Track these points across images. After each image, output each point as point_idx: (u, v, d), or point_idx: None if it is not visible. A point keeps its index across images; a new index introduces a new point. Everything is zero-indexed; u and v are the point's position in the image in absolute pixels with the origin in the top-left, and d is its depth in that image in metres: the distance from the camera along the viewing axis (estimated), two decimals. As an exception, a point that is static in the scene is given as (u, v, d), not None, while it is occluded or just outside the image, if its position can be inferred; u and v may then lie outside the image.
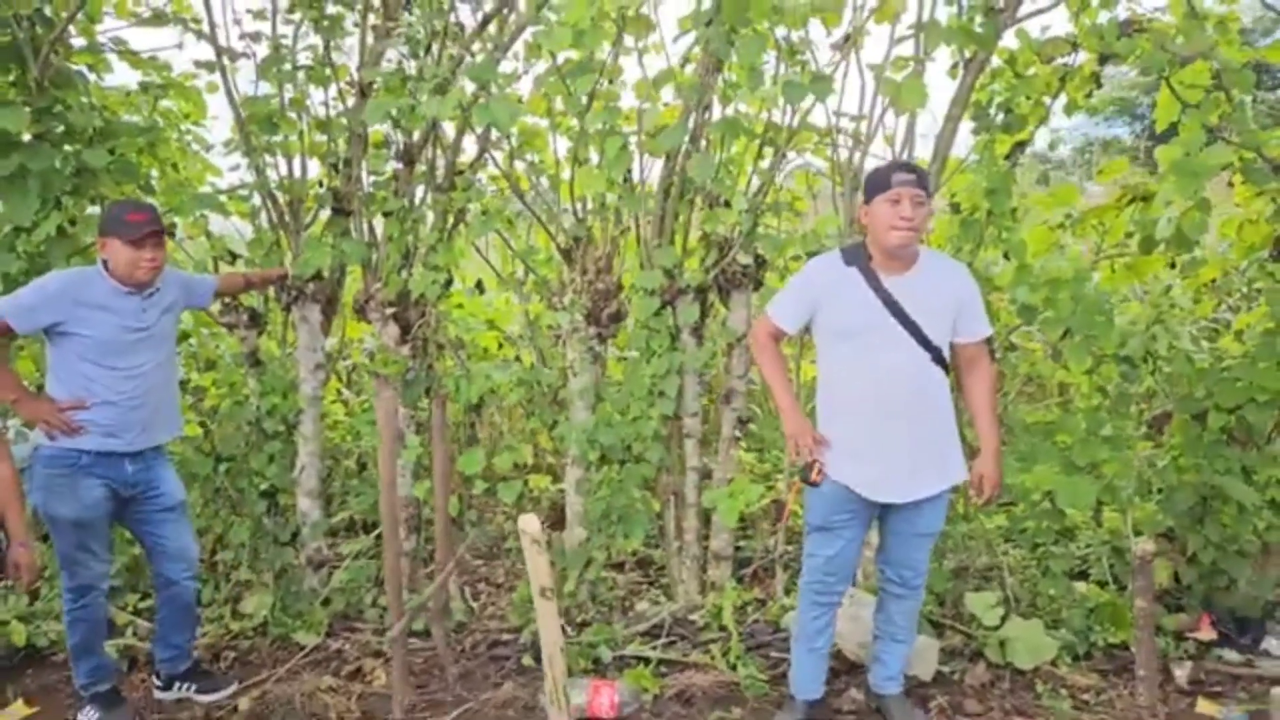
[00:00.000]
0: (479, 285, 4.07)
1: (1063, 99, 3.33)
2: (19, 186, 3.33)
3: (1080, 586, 3.42)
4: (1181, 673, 3.06)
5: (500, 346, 4.38)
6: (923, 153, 3.39)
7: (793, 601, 3.56)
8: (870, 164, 3.34)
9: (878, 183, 2.45)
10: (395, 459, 2.68)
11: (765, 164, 3.40)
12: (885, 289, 2.49)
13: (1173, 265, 3.56)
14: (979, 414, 2.67)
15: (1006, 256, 3.37)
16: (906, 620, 2.79)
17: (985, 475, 2.63)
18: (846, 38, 3.22)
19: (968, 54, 3.20)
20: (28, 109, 3.28)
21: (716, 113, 3.33)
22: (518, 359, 4.21)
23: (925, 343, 2.50)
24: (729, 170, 3.35)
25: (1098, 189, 4.34)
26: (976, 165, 3.31)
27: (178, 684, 3.08)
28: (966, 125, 3.35)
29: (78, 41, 3.55)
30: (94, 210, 3.48)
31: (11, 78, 3.34)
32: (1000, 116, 3.29)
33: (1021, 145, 3.37)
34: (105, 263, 2.82)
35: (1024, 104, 3.28)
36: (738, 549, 3.79)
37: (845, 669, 3.15)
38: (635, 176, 3.40)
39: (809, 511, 2.70)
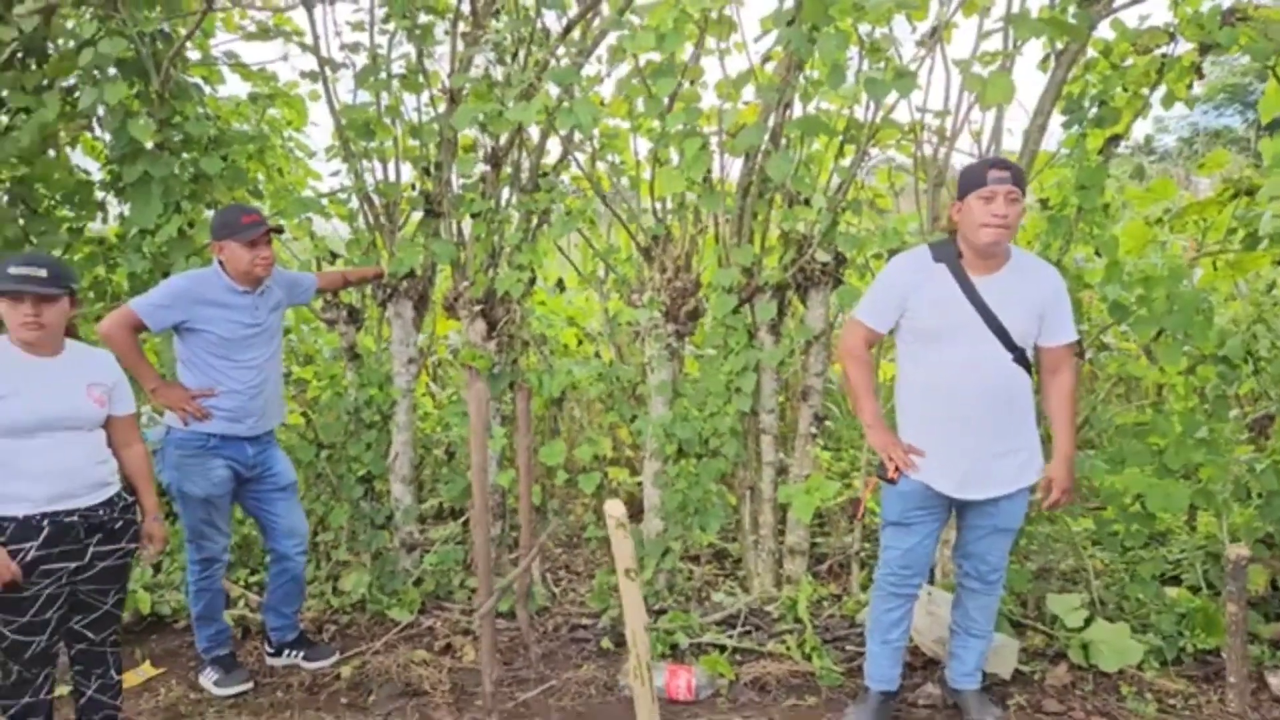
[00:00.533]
0: (559, 283, 4.21)
1: (1161, 90, 3.21)
2: (143, 192, 3.62)
3: (1171, 592, 3.33)
4: (1276, 681, 2.95)
5: (579, 343, 4.51)
6: (1010, 147, 3.34)
7: (868, 597, 3.57)
8: (955, 160, 3.31)
9: (972, 179, 2.44)
10: (486, 447, 2.82)
11: (846, 161, 3.40)
12: (974, 288, 2.48)
13: (1277, 263, 3.40)
14: (1056, 419, 2.64)
15: (1098, 253, 3.29)
16: (984, 616, 2.79)
17: (1056, 479, 2.60)
18: (932, 31, 3.19)
19: (1060, 46, 3.12)
20: (151, 120, 3.55)
21: (797, 110, 3.35)
22: (597, 355, 4.33)
23: (1010, 344, 2.49)
24: (808, 168, 3.37)
25: (1205, 182, 4.15)
26: (1067, 160, 3.23)
27: (287, 651, 3.32)
28: (1057, 119, 3.27)
29: (192, 55, 3.82)
30: (209, 213, 3.75)
31: (135, 90, 3.62)
32: (1093, 110, 3.20)
33: (1116, 139, 3.27)
34: (221, 264, 3.05)
35: (1119, 97, 3.18)
36: (813, 545, 3.82)
37: (921, 664, 3.16)
38: (715, 175, 3.45)
39: (886, 507, 2.72)
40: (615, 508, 2.37)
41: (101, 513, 2.46)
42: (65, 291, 2.38)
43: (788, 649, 3.26)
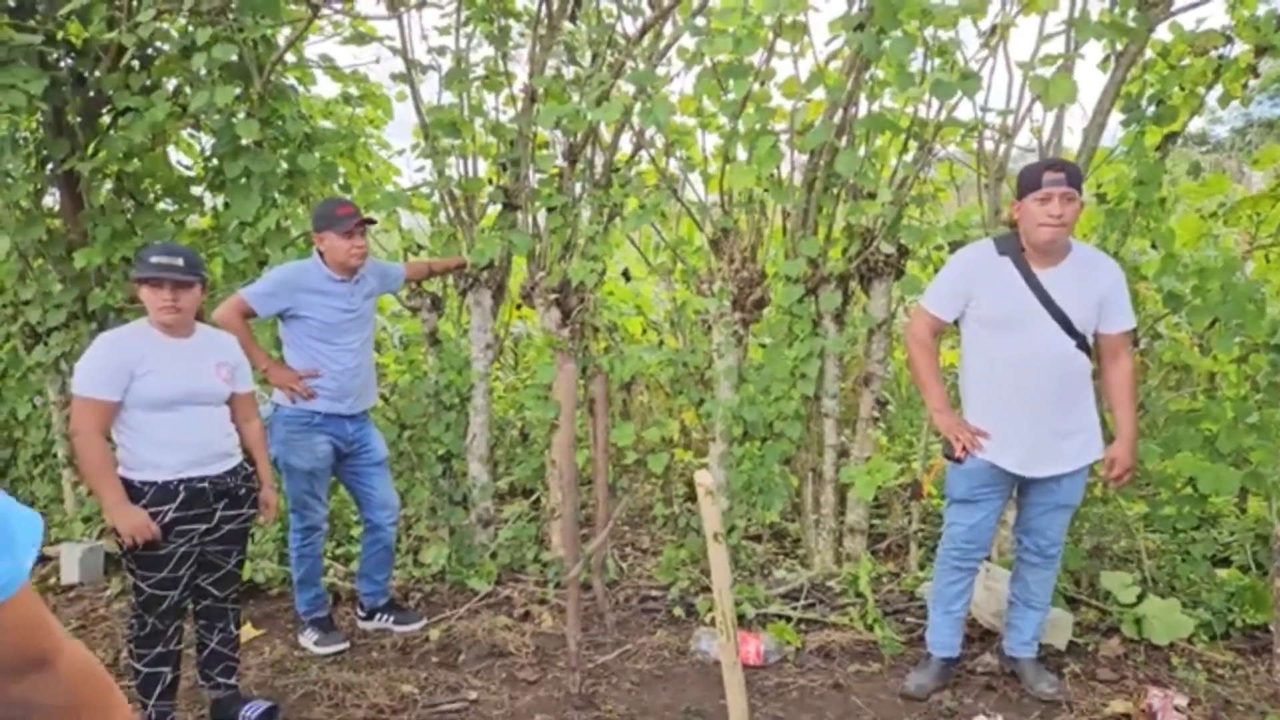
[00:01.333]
0: (625, 274, 4.41)
1: (1218, 90, 3.33)
2: (243, 187, 3.88)
3: (1221, 572, 3.46)
4: (1323, 655, 3.09)
5: (644, 331, 4.70)
6: (1070, 144, 3.47)
7: (927, 575, 3.75)
8: (1016, 156, 3.45)
9: (1029, 181, 2.60)
10: (573, 423, 3.02)
11: (910, 157, 3.56)
12: (1037, 280, 2.64)
13: (1330, 255, 3.52)
14: (1118, 402, 2.78)
15: (1154, 246, 3.42)
16: (1042, 589, 2.95)
17: (1118, 458, 2.76)
18: (993, 29, 3.33)
19: (1119, 47, 3.26)
20: (253, 119, 3.80)
21: (863, 108, 3.52)
22: (661, 343, 4.52)
23: (1071, 331, 2.66)
24: (873, 163, 3.53)
25: (1259, 176, 4.25)
26: (1125, 156, 3.36)
27: (379, 615, 3.56)
28: (1116, 116, 3.40)
29: (288, 58, 4.07)
30: (302, 209, 4.00)
31: (238, 91, 3.87)
32: (1151, 108, 3.34)
33: (1173, 136, 3.40)
34: (321, 254, 3.29)
35: (1176, 96, 3.31)
36: (872, 526, 3.99)
37: (979, 636, 3.32)
38: (782, 171, 3.62)
39: (951, 486, 2.88)
40: (705, 477, 2.56)
41: (228, 480, 2.71)
42: (198, 279, 2.62)
43: (850, 620, 3.44)
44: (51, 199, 4.39)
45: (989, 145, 3.49)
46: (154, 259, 2.56)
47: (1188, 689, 2.93)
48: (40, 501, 4.85)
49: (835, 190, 3.64)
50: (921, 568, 3.81)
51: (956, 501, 2.88)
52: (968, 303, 2.74)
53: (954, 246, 3.56)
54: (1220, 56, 3.24)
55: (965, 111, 3.36)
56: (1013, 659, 3.06)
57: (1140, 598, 3.27)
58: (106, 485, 2.50)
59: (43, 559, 4.42)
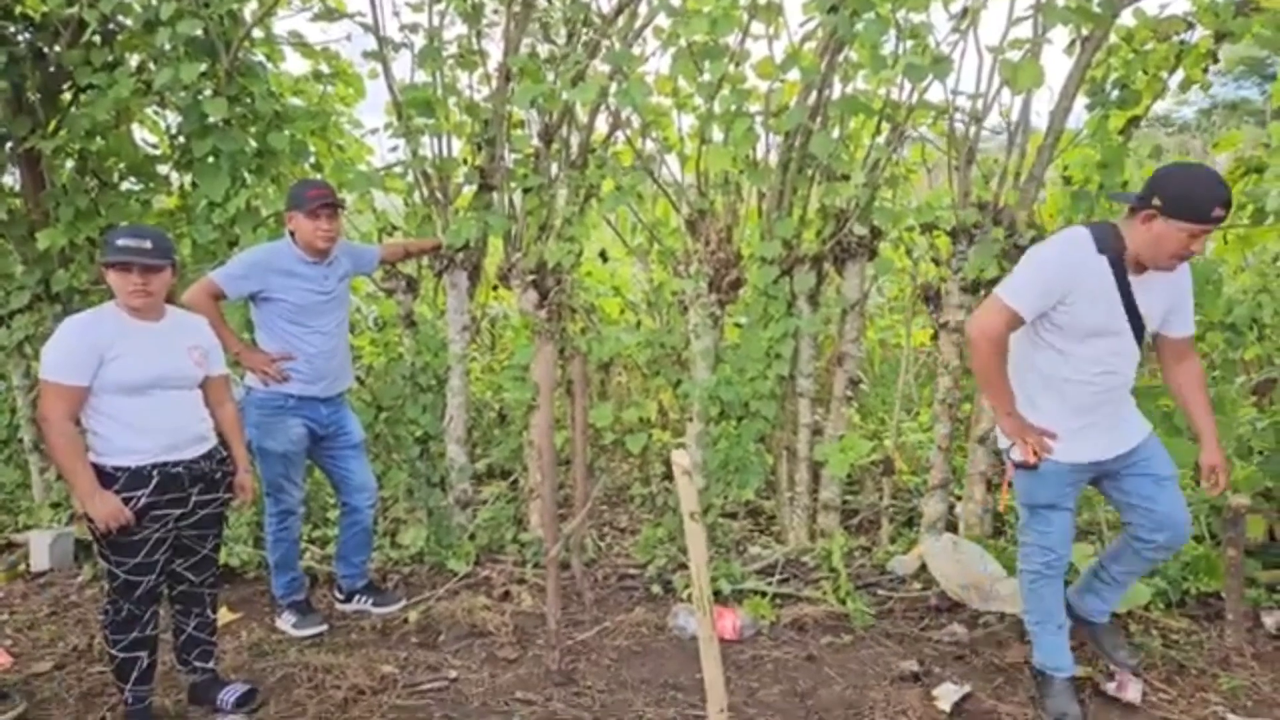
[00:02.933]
0: (603, 255, 4.42)
1: (1179, 74, 3.42)
2: (212, 166, 3.82)
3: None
4: (1270, 620, 3.22)
5: (621, 312, 4.72)
6: (1037, 127, 3.54)
7: (897, 549, 3.85)
8: (985, 138, 3.51)
9: (1195, 208, 2.23)
10: (552, 404, 3.04)
11: (882, 139, 3.60)
12: (1129, 287, 2.42)
13: (1285, 236, 3.63)
14: (1197, 406, 2.65)
15: (1116, 228, 3.50)
16: (1146, 568, 2.80)
17: (1217, 465, 2.62)
18: (964, 12, 3.37)
19: (1085, 32, 3.32)
20: (220, 97, 3.73)
21: (837, 90, 3.55)
22: (639, 324, 4.55)
23: (1140, 337, 2.51)
24: (847, 145, 3.57)
25: (1221, 159, 4.37)
26: (1090, 140, 3.44)
27: (357, 597, 3.57)
28: (1081, 100, 3.48)
29: (256, 33, 3.99)
30: (273, 188, 3.94)
31: (204, 68, 3.79)
32: (1115, 93, 3.41)
33: (1136, 120, 3.48)
34: (292, 234, 3.25)
35: (1140, 80, 3.38)
36: (845, 502, 4.07)
37: (947, 607, 3.42)
38: (758, 152, 3.65)
39: (1030, 493, 2.66)
40: (681, 457, 2.58)
41: (202, 464, 2.69)
42: (168, 262, 2.58)
43: (823, 594, 3.52)
44: (12, 178, 4.27)
45: (959, 128, 3.55)
46: (121, 242, 2.51)
47: (1144, 654, 3.05)
48: (6, 488, 4.77)
49: (810, 172, 3.68)
50: (892, 541, 3.91)
51: (1041, 508, 2.66)
52: (1058, 303, 2.42)
53: (925, 228, 3.63)
54: (1182, 42, 3.32)
55: (936, 94, 3.41)
56: (1090, 624, 2.89)
57: (1101, 568, 3.38)
58: (78, 472, 2.47)
59: (10, 546, 4.36)
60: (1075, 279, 2.40)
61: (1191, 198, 2.24)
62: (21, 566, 4.11)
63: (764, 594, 3.54)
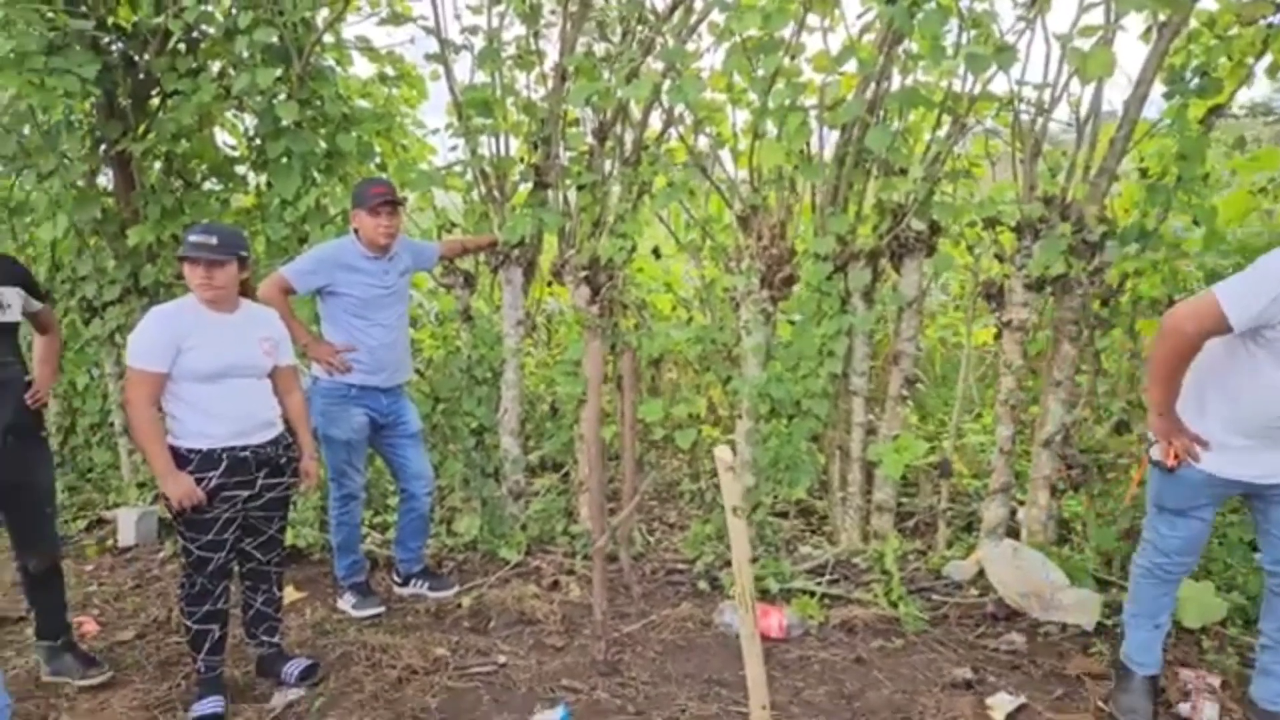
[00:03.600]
0: (655, 251, 4.44)
1: (1268, 60, 3.22)
2: (285, 166, 3.99)
3: (1258, 556, 3.39)
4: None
5: (673, 308, 4.74)
6: (1108, 118, 3.39)
7: (954, 554, 3.75)
8: (1053, 131, 3.38)
9: None
10: (600, 398, 3.08)
11: (943, 132, 3.51)
12: None
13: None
14: None
15: (1196, 222, 3.33)
16: None
17: None
18: (1032, 2, 3.25)
19: (1162, 17, 3.16)
20: (293, 100, 3.90)
21: (895, 83, 3.47)
22: (690, 320, 4.55)
23: None
24: (905, 139, 3.49)
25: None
26: (1168, 130, 3.27)
27: (413, 581, 3.69)
28: (1158, 88, 3.31)
29: (326, 39, 4.16)
30: (340, 187, 4.10)
31: (278, 73, 3.97)
32: (1195, 81, 3.24)
33: (1218, 109, 3.30)
34: (356, 231, 3.38)
35: (1223, 67, 3.20)
36: (900, 504, 3.99)
37: (1005, 615, 3.32)
38: (813, 147, 3.60)
39: (1159, 493, 2.59)
40: (725, 453, 2.59)
41: (269, 450, 2.82)
42: (233, 257, 2.71)
43: (874, 596, 3.46)
44: (105, 179, 4.56)
45: (1025, 119, 3.43)
46: (192, 238, 2.67)
47: (1219, 671, 2.90)
48: (98, 468, 5.10)
49: (866, 166, 3.61)
50: (949, 546, 3.81)
51: (1168, 511, 2.58)
52: (1272, 322, 2.19)
53: (988, 223, 3.53)
54: (1269, 25, 3.12)
55: (1000, 85, 3.30)
56: (1265, 711, 2.63)
57: (1172, 581, 3.22)
58: (156, 452, 2.63)
59: (100, 523, 4.67)
60: None
61: None
62: (110, 542, 4.39)
63: (813, 594, 3.50)
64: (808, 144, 3.52)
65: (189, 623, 2.80)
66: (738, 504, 2.55)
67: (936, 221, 3.57)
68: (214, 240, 2.67)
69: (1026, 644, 3.16)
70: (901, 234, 3.57)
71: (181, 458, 2.66)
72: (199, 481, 2.65)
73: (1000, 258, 3.58)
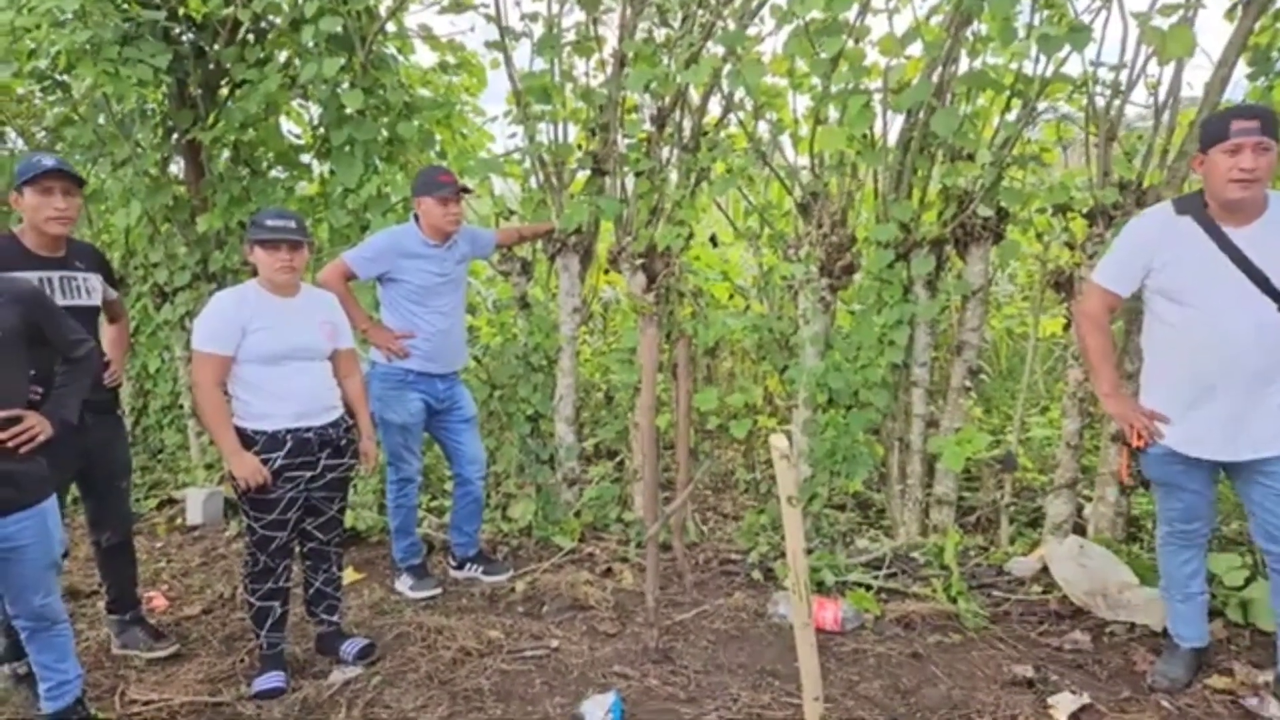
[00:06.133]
0: (713, 239, 4.40)
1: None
2: (347, 155, 4.06)
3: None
4: None
5: (730, 297, 4.70)
6: (1188, 101, 3.25)
7: (1017, 549, 3.65)
8: (1129, 112, 3.25)
9: (1214, 132, 2.31)
10: (654, 386, 3.07)
11: (1012, 115, 3.40)
12: (1228, 239, 2.33)
13: None
14: None
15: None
16: None
17: None
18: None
19: (1249, -6, 3.01)
20: (356, 89, 3.95)
21: (963, 65, 3.37)
22: (747, 308, 4.51)
23: (1274, 294, 2.33)
24: (973, 123, 3.39)
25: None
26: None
27: (468, 565, 3.73)
28: (1242, 69, 3.16)
29: (388, 28, 4.21)
30: (401, 176, 4.15)
31: (342, 62, 4.03)
32: (1283, 60, 3.08)
33: (1307, 89, 3.13)
34: (417, 218, 3.41)
35: (1313, 45, 3.04)
36: (961, 498, 3.90)
37: (1070, 613, 3.22)
38: (875, 131, 3.52)
39: (1145, 467, 2.66)
40: (780, 441, 2.56)
41: (330, 431, 2.87)
42: (307, 240, 2.79)
43: (933, 591, 3.38)
44: (176, 168, 4.70)
45: (1100, 102, 3.30)
46: (270, 222, 2.73)
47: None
48: (169, 449, 5.28)
49: (931, 151, 3.52)
50: (1012, 542, 3.71)
51: (1158, 484, 2.69)
52: (1147, 273, 2.47)
53: (1058, 209, 3.41)
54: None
55: (1074, 67, 3.17)
56: None
57: (1248, 580, 3.09)
58: (222, 433, 2.70)
59: (170, 502, 4.83)
60: (1156, 242, 2.45)
61: (1210, 126, 2.35)
62: (179, 520, 4.54)
63: (869, 587, 3.44)
64: (871, 129, 3.44)
65: (252, 599, 2.87)
66: (793, 494, 2.51)
67: (1004, 208, 3.47)
68: (293, 224, 2.74)
69: (1091, 643, 3.06)
70: (967, 221, 3.47)
71: (247, 439, 2.72)
72: (264, 462, 2.72)
73: (1070, 245, 3.46)
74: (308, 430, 2.80)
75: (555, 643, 3.15)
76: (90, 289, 2.88)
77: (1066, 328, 3.68)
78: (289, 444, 2.76)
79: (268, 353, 2.73)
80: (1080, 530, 3.59)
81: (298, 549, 2.99)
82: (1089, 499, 3.68)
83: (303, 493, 2.84)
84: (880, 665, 2.98)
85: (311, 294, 2.94)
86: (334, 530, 3.04)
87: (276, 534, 2.81)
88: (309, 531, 2.98)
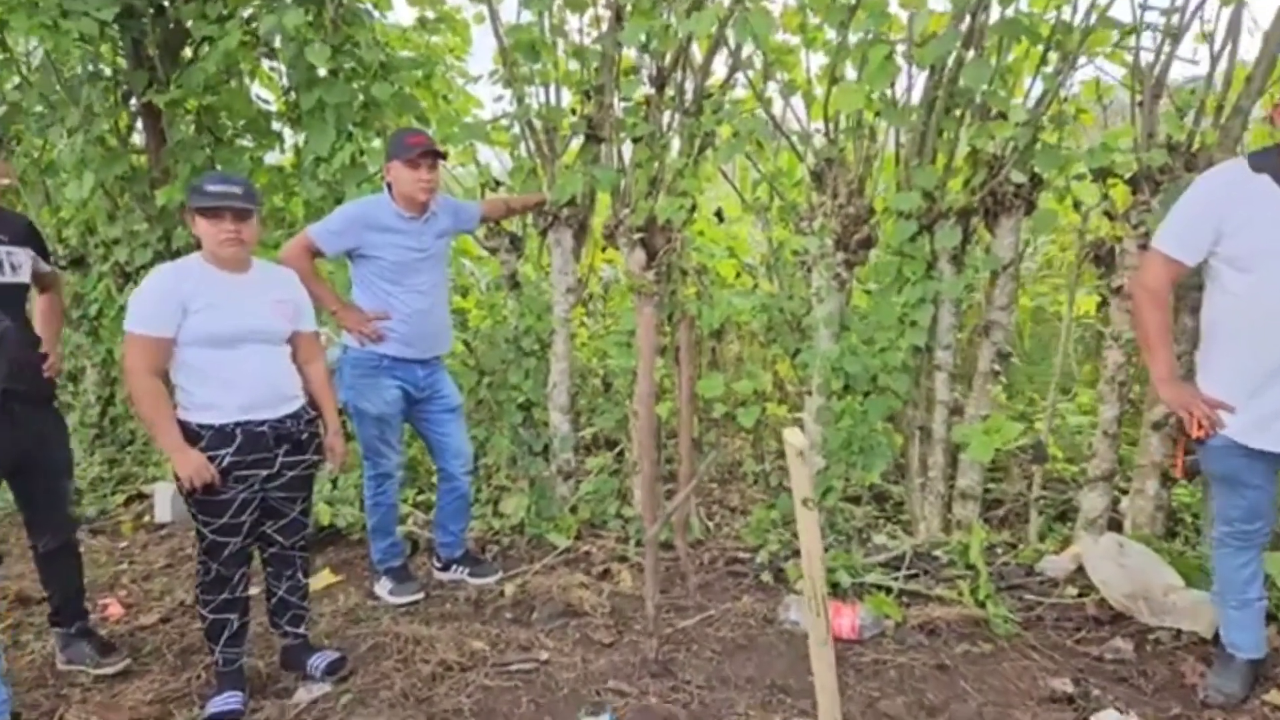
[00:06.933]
0: (718, 213, 4.08)
1: None
2: (318, 119, 3.74)
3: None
4: None
5: (737, 275, 4.39)
6: (1247, 51, 2.93)
7: (1047, 546, 3.37)
8: (1176, 68, 2.93)
9: None
10: (654, 371, 2.78)
11: (1049, 70, 3.06)
12: None
13: None
14: None
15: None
16: None
17: None
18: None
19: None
20: (325, 46, 3.62)
21: (994, 14, 3.04)
22: (755, 287, 4.20)
23: None
24: (1004, 79, 3.06)
25: None
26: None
27: (454, 567, 3.45)
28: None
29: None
30: (378, 143, 3.83)
31: (310, 17, 3.69)
32: (1360, 1, 2.75)
33: (1386, 36, 2.80)
34: (389, 187, 3.10)
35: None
36: (986, 491, 3.61)
37: (1109, 619, 2.95)
38: (897, 90, 3.20)
39: (1205, 461, 2.44)
40: (796, 436, 2.27)
41: (288, 424, 2.57)
42: (256, 207, 2.47)
43: (959, 594, 3.10)
44: (140, 137, 4.37)
45: (1146, 56, 2.97)
46: (211, 188, 2.41)
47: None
48: (138, 440, 4.98)
49: (959, 111, 3.19)
50: (1042, 538, 3.43)
51: (1218, 481, 2.45)
52: (1217, 238, 2.20)
53: (1098, 174, 3.09)
54: None
55: (1121, 12, 2.84)
56: None
57: (1310, 585, 2.81)
58: (162, 427, 2.40)
59: (139, 497, 4.54)
60: (1228, 203, 2.19)
61: None
62: (147, 517, 4.26)
63: (888, 590, 3.16)
64: (892, 86, 3.11)
65: (205, 612, 2.58)
66: (809, 495, 2.22)
67: (1038, 174, 3.14)
68: (238, 189, 2.42)
69: (1135, 652, 2.77)
70: (998, 188, 3.15)
71: (191, 433, 2.42)
72: (211, 459, 2.41)
73: (1111, 215, 3.14)
74: (260, 423, 2.49)
75: (545, 655, 2.86)
76: (15, 264, 2.58)
77: (1100, 306, 3.38)
78: (239, 438, 2.45)
79: (213, 334, 2.42)
80: (1115, 525, 3.31)
81: (258, 554, 2.69)
82: (1124, 492, 3.39)
83: (257, 493, 2.54)
84: (903, 678, 2.70)
85: (266, 269, 2.64)
86: (297, 534, 2.73)
87: (229, 539, 2.51)
88: (269, 536, 2.68)
